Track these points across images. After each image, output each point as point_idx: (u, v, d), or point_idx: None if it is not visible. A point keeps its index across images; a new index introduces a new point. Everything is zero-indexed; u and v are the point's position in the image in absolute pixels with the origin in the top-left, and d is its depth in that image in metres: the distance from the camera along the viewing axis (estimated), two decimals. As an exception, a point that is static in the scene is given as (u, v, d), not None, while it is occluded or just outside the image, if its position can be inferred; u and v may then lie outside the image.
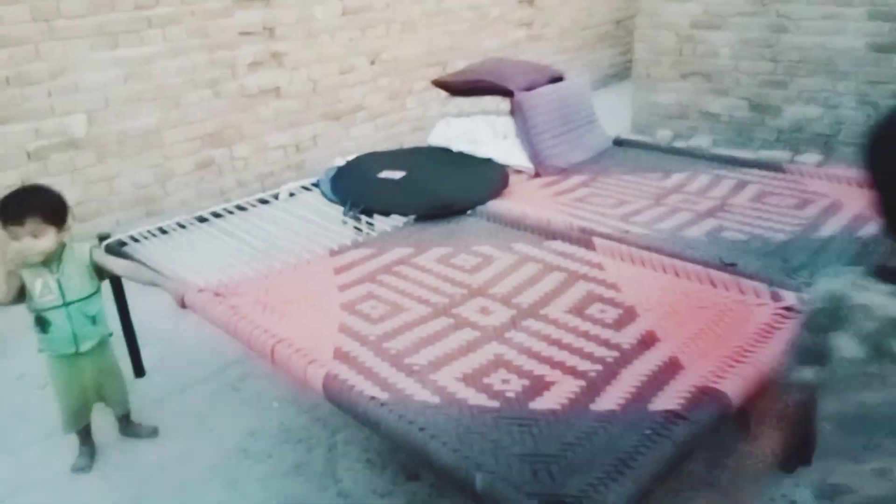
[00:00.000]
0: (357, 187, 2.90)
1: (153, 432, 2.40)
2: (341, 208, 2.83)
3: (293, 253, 2.54)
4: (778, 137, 4.84)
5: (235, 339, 2.13)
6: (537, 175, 3.16)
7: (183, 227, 2.78)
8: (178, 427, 2.43)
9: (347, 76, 4.88)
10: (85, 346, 2.12)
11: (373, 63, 5.01)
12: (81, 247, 2.14)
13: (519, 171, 3.16)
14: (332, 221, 2.81)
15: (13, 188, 2.10)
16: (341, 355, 1.93)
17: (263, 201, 3.04)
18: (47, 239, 2.00)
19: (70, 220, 2.08)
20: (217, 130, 4.23)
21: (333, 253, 2.54)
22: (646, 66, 5.37)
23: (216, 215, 2.87)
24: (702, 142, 5.00)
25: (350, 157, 3.23)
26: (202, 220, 2.86)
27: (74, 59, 3.59)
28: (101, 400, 2.28)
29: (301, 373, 1.88)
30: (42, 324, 2.07)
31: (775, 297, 2.03)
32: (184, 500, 2.12)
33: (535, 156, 3.15)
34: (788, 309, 1.96)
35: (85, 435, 2.29)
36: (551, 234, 2.55)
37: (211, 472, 2.22)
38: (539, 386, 1.76)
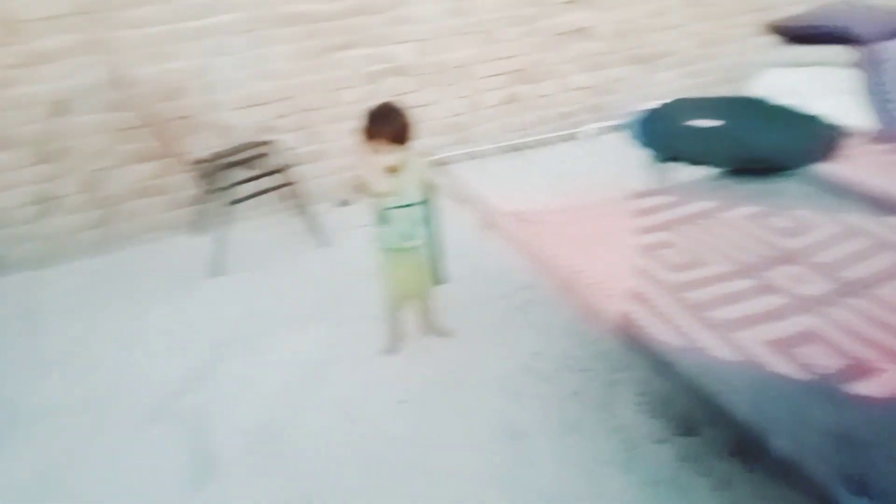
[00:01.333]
0: (667, 133, 2.82)
1: (450, 334, 2.69)
2: (646, 152, 2.79)
3: (593, 190, 2.58)
4: None
5: (533, 264, 2.27)
6: (881, 139, 2.75)
7: (491, 155, 2.98)
8: (471, 335, 2.68)
9: (658, 19, 4.68)
10: (409, 244, 2.42)
11: (689, 6, 4.72)
12: (418, 160, 2.41)
13: (856, 133, 2.78)
14: (634, 165, 2.78)
15: (369, 105, 2.38)
16: (636, 296, 1.95)
17: (566, 138, 3.11)
18: (393, 156, 2.28)
19: (412, 138, 2.33)
20: (525, 67, 4.38)
21: (634, 196, 2.53)
22: None
23: (521, 147, 3.02)
24: None
25: (663, 102, 3.13)
26: (508, 150, 3.02)
27: (410, -8, 3.95)
28: (416, 293, 2.60)
29: (594, 306, 1.94)
30: (382, 219, 2.40)
31: None
32: (472, 400, 2.36)
33: (883, 116, 2.75)
34: None
35: (396, 323, 2.65)
36: (893, 208, 2.24)
37: (498, 383, 2.43)
38: (862, 369, 1.60)
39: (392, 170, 2.30)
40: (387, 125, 2.25)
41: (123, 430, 2.35)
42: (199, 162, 3.56)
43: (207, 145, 3.66)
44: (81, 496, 2.10)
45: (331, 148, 4.02)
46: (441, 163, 2.88)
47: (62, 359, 2.77)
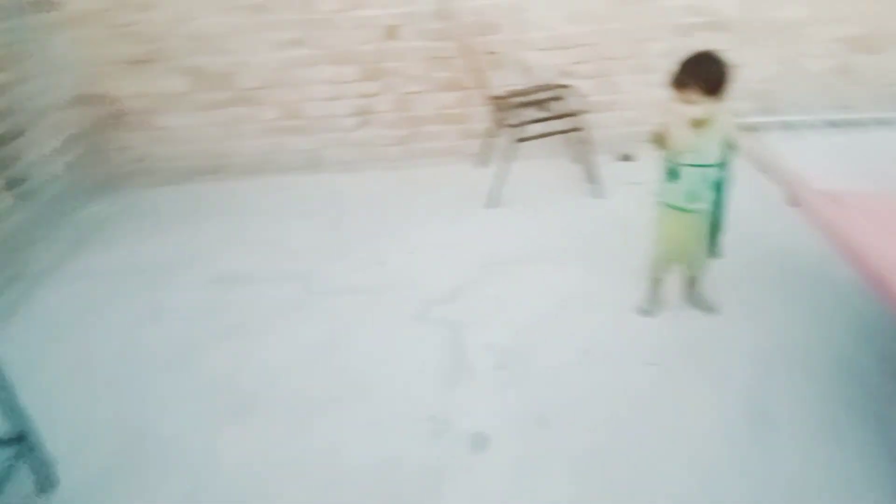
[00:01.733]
0: None
1: (714, 309, 2.52)
2: None
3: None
4: None
5: (838, 249, 2.02)
6: None
7: (805, 128, 2.66)
8: (736, 311, 2.50)
9: None
10: (693, 206, 2.28)
11: None
12: (727, 119, 2.22)
13: None
14: None
15: (680, 56, 2.24)
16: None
17: (907, 120, 2.65)
18: (702, 108, 2.13)
19: (725, 93, 2.15)
20: (866, 34, 3.77)
21: None
22: None
23: (844, 124, 2.65)
24: None
25: None
26: (827, 125, 2.67)
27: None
28: (685, 259, 2.47)
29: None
30: (672, 174, 2.29)
31: None
32: (722, 376, 2.22)
33: None
34: None
35: (658, 285, 2.56)
36: None
37: (756, 366, 2.25)
38: None
39: (698, 123, 2.17)
40: (702, 73, 2.11)
41: (393, 319, 2.65)
42: (497, 97, 3.74)
43: (507, 82, 3.81)
44: (354, 363, 2.44)
45: (625, 99, 3.92)
46: (746, 128, 2.64)
47: (355, 249, 3.20)
